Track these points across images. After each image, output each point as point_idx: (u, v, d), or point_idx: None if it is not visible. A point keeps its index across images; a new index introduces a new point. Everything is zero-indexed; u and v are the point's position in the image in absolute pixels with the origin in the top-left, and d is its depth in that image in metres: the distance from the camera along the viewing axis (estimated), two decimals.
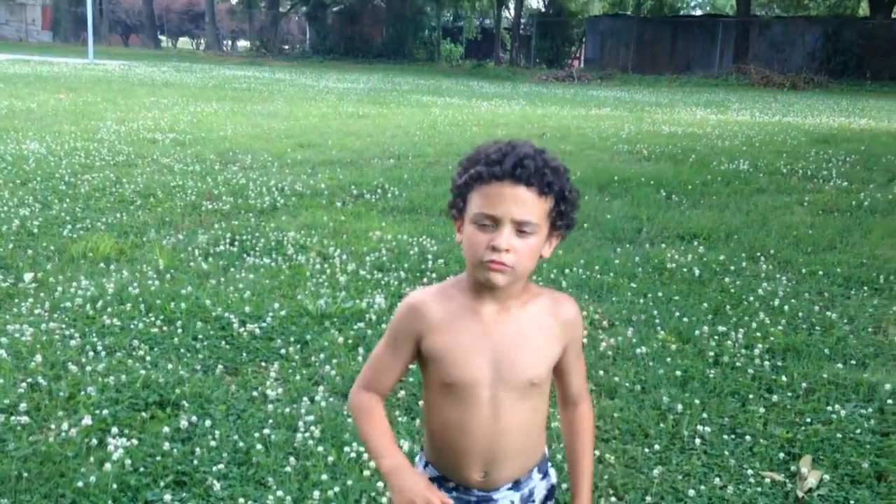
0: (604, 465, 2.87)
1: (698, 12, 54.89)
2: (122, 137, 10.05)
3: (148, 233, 5.68)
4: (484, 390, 1.53)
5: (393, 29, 43.27)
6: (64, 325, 3.90)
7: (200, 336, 3.86)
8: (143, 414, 3.09)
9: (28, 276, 4.56)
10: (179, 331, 3.89)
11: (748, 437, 3.08)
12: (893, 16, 34.98)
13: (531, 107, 17.83)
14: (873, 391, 3.50)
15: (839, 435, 3.11)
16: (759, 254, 5.59)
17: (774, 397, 3.41)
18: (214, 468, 2.73)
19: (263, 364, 3.63)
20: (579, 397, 1.69)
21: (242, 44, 57.94)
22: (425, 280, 4.81)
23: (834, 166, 9.38)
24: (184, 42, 63.09)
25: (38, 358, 3.47)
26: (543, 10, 45.28)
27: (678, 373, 3.60)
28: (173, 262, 5.00)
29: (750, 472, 2.85)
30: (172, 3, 60.87)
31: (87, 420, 2.96)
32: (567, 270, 5.04)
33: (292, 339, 3.88)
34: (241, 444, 2.90)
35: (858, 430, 3.15)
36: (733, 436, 3.11)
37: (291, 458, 2.81)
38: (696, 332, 4.08)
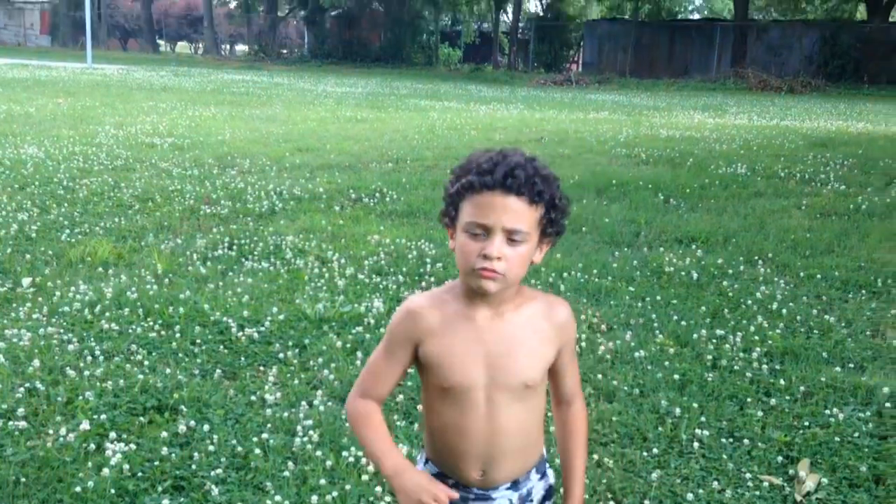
0: (602, 469, 2.87)
1: (696, 16, 55.01)
2: (121, 142, 10.06)
3: (146, 237, 5.68)
4: (479, 393, 1.55)
5: (391, 33, 43.31)
6: (62, 330, 3.90)
7: (199, 340, 3.86)
8: (142, 419, 3.09)
9: (26, 281, 4.56)
10: (178, 335, 3.89)
11: (746, 441, 3.08)
12: (891, 19, 35.08)
13: (529, 111, 17.85)
14: (871, 395, 3.50)
15: (837, 438, 3.11)
16: (756, 257, 5.59)
17: (772, 401, 3.42)
18: (213, 473, 2.73)
19: (262, 368, 3.63)
20: (573, 397, 1.72)
21: (241, 48, 58.03)
22: (424, 284, 4.81)
23: (831, 170, 9.39)
24: (182, 46, 63.16)
25: (36, 363, 3.47)
26: (541, 14, 45.35)
27: (676, 376, 3.60)
28: (171, 266, 5.00)
29: (748, 475, 2.86)
30: (171, 7, 60.97)
31: (85, 425, 2.96)
32: (565, 274, 5.04)
33: (290, 343, 3.88)
34: (239, 448, 2.90)
35: (856, 434, 3.15)
36: (731, 439, 3.11)
37: (290, 463, 2.80)
38: (695, 336, 4.09)
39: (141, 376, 3.41)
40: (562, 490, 1.75)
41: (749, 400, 3.42)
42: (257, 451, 2.87)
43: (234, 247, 5.49)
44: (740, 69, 31.72)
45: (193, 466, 2.77)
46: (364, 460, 2.80)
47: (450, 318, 1.56)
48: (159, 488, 2.65)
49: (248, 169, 8.54)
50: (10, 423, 2.99)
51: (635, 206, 7.23)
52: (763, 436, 3.13)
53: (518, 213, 1.45)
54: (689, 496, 2.71)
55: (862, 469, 2.89)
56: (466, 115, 15.78)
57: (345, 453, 2.84)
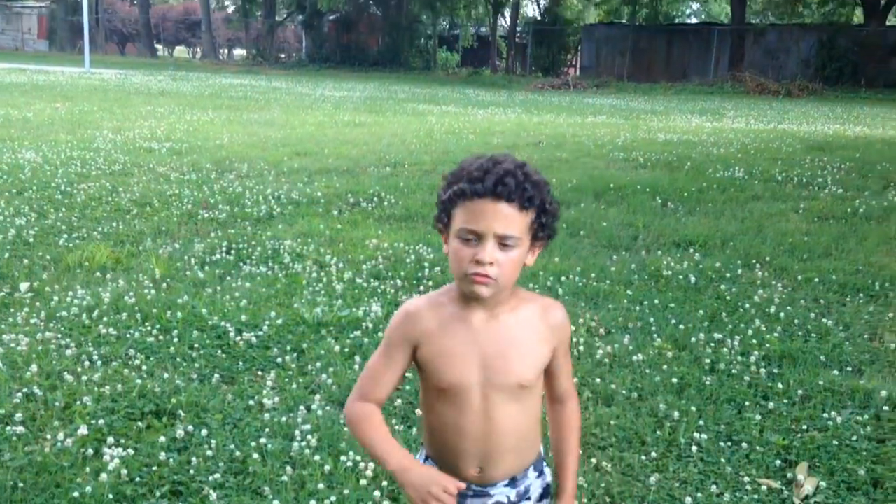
0: (601, 473, 2.88)
1: (693, 20, 55.12)
2: (119, 146, 10.06)
3: (144, 242, 5.68)
4: (475, 393, 1.59)
5: (389, 37, 43.35)
6: (60, 335, 3.90)
7: (197, 345, 3.86)
8: (139, 423, 3.09)
9: (24, 286, 4.55)
10: (176, 340, 3.89)
11: (744, 445, 3.08)
12: (888, 23, 35.16)
13: (527, 115, 17.86)
14: (869, 398, 3.50)
15: (835, 442, 3.11)
16: (754, 261, 5.60)
17: (770, 404, 3.42)
18: (211, 478, 2.73)
19: (260, 373, 3.63)
20: (567, 396, 1.76)
21: (239, 52, 58.03)
22: (422, 288, 4.82)
23: (829, 173, 9.41)
24: (180, 51, 63.15)
25: (34, 368, 3.47)
26: (539, 18, 45.40)
27: (674, 380, 3.61)
28: (169, 271, 5.00)
29: (746, 479, 2.86)
30: (169, 11, 61.01)
31: (83, 430, 2.95)
32: (563, 278, 5.05)
33: (289, 347, 3.88)
34: (237, 453, 2.89)
35: (854, 437, 3.16)
36: (730, 443, 3.11)
37: (288, 468, 2.80)
38: (693, 340, 4.09)
39: (139, 381, 3.41)
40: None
41: (747, 403, 3.42)
42: (255, 455, 2.86)
43: (232, 251, 5.49)
44: (738, 73, 31.76)
45: (191, 471, 2.77)
46: (362, 464, 2.80)
47: (446, 321, 1.59)
48: (157, 493, 2.64)
49: (247, 173, 8.54)
50: (8, 428, 2.99)
51: (633, 209, 7.24)
52: (761, 439, 3.13)
53: (509, 218, 1.49)
54: (688, 500, 2.71)
55: (860, 472, 2.90)
56: (464, 119, 15.79)
57: (343, 458, 2.84)
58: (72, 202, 6.78)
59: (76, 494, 2.58)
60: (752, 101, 25.65)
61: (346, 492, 2.66)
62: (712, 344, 4.06)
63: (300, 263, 5.25)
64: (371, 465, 2.79)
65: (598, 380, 3.60)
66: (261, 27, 48.58)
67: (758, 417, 3.30)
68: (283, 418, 3.16)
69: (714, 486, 2.80)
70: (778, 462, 2.98)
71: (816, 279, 5.20)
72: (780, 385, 3.59)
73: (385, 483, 2.71)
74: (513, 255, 1.51)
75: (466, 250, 1.50)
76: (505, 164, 1.50)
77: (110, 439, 2.92)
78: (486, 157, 1.53)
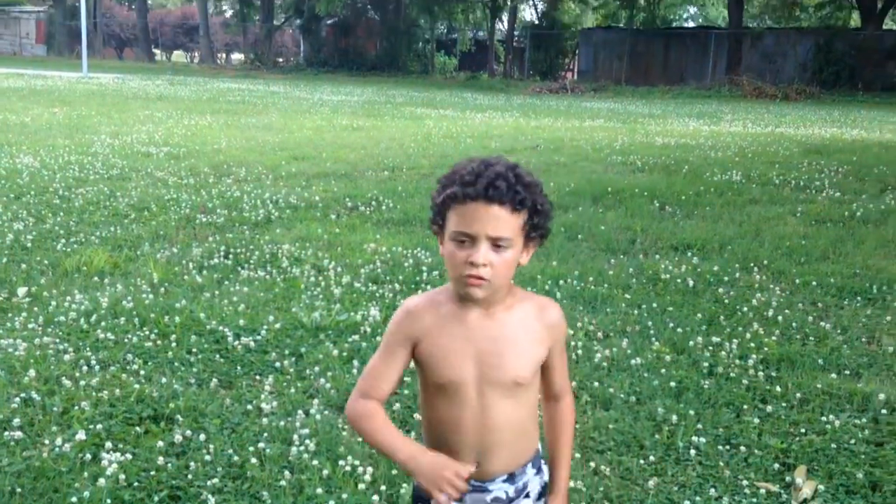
0: (599, 477, 2.87)
1: (690, 24, 55.20)
2: (117, 151, 10.06)
3: (142, 246, 5.68)
4: (471, 389, 1.62)
5: (387, 41, 43.39)
6: (58, 340, 3.89)
7: (195, 350, 3.85)
8: (138, 428, 3.08)
9: (22, 291, 4.55)
10: (174, 344, 3.89)
11: (743, 448, 3.08)
12: (885, 27, 35.23)
13: (525, 119, 17.88)
14: (867, 401, 3.50)
15: (834, 445, 3.11)
16: (752, 264, 5.61)
17: (769, 408, 3.42)
18: (209, 482, 2.73)
19: (258, 377, 3.63)
20: (562, 393, 1.79)
21: (237, 57, 58.06)
22: (420, 292, 4.80)
23: (826, 177, 9.42)
24: (178, 55, 63.17)
25: (32, 373, 3.46)
26: (537, 22, 45.46)
27: (673, 384, 3.61)
28: (167, 275, 5.00)
29: (745, 482, 2.86)
30: (167, 16, 61.04)
31: (81, 435, 2.95)
32: (561, 282, 5.05)
33: (287, 352, 3.88)
34: (235, 458, 2.89)
35: (853, 441, 3.16)
36: (728, 446, 3.11)
37: (286, 472, 2.80)
38: (691, 343, 4.09)
39: (137, 386, 3.41)
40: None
41: (745, 407, 3.42)
42: (254, 460, 2.86)
43: (230, 256, 5.49)
44: (735, 77, 31.83)
45: (189, 476, 2.76)
46: (361, 469, 2.79)
47: (443, 318, 1.62)
48: (155, 498, 2.64)
49: (244, 178, 8.54)
50: (6, 433, 2.99)
51: (631, 213, 7.25)
52: (760, 443, 3.14)
53: (501, 220, 1.52)
54: (686, 503, 2.71)
55: (858, 476, 2.90)
56: (462, 123, 15.81)
57: (341, 462, 2.84)
58: (70, 207, 6.77)
59: (74, 499, 2.58)
60: (749, 105, 25.69)
61: (344, 496, 2.66)
62: (710, 347, 4.07)
63: (298, 268, 5.25)
64: (370, 469, 2.79)
65: (596, 383, 3.60)
66: (259, 31, 48.61)
67: (756, 421, 3.30)
68: (282, 423, 3.16)
69: (713, 490, 2.81)
70: (776, 465, 2.98)
71: (814, 282, 5.20)
72: (778, 388, 3.60)
73: (384, 487, 2.71)
74: (506, 256, 1.54)
75: (460, 252, 1.53)
76: (496, 168, 1.53)
77: (108, 444, 2.92)
78: (477, 161, 1.56)
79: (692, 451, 3.04)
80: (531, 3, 47.27)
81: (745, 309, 4.66)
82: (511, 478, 1.71)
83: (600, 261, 5.65)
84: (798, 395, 3.54)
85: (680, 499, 2.75)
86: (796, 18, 40.57)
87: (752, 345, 4.09)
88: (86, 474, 2.73)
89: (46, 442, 2.95)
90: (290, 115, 16.50)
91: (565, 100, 27.62)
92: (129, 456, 2.85)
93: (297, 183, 8.30)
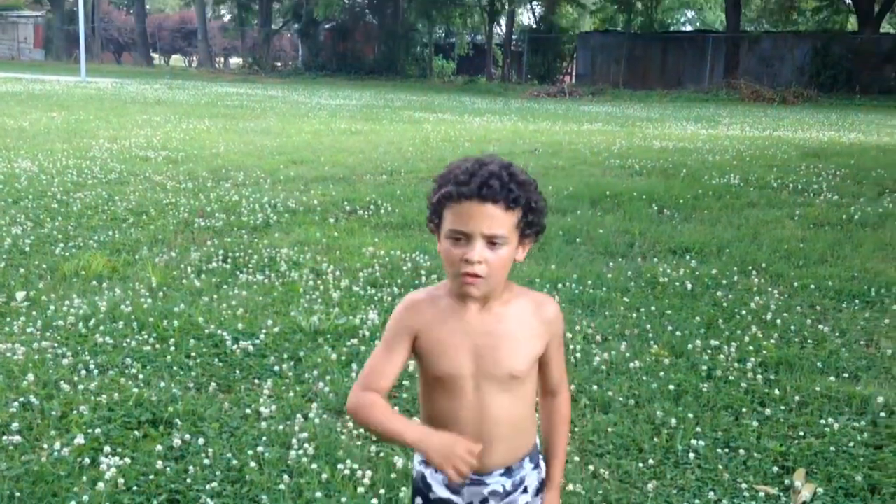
0: (598, 480, 2.87)
1: (688, 28, 55.30)
2: (115, 155, 10.05)
3: (140, 250, 5.68)
4: (468, 382, 1.65)
5: (385, 45, 43.44)
6: (56, 344, 3.89)
7: (193, 354, 3.85)
8: (136, 432, 3.08)
9: (20, 295, 4.55)
10: (172, 348, 3.89)
11: (742, 451, 3.08)
12: (882, 31, 35.30)
13: (523, 122, 17.90)
14: (866, 404, 3.51)
15: (832, 448, 3.11)
16: (750, 267, 5.61)
17: (767, 411, 3.42)
18: (208, 486, 2.72)
19: (257, 381, 3.62)
20: (558, 388, 1.81)
21: (235, 61, 58.12)
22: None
23: (824, 180, 9.44)
24: (176, 59, 63.24)
25: (31, 377, 3.46)
26: (535, 26, 45.52)
27: (671, 387, 3.61)
28: (166, 279, 5.00)
29: (744, 485, 2.86)
30: (165, 20, 61.11)
31: (80, 439, 2.95)
32: (560, 285, 5.05)
33: (286, 355, 3.88)
34: (234, 461, 2.89)
35: (852, 443, 3.16)
36: (727, 450, 3.11)
37: (285, 476, 2.80)
38: (689, 346, 4.09)
39: (135, 390, 3.40)
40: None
41: (744, 410, 3.43)
42: (252, 464, 2.86)
43: (229, 260, 5.49)
44: (733, 80, 31.88)
45: (188, 480, 2.76)
46: (360, 472, 2.79)
47: (442, 313, 1.65)
48: (154, 502, 2.64)
49: (243, 182, 8.54)
50: (5, 437, 2.98)
51: (629, 216, 7.25)
52: (758, 446, 3.14)
53: (495, 218, 1.54)
54: None
55: (857, 478, 2.90)
56: (460, 127, 15.82)
57: (340, 466, 2.84)
58: (68, 211, 6.77)
59: None
60: (747, 109, 25.73)
61: (343, 500, 2.66)
62: (709, 350, 4.07)
63: (297, 272, 5.25)
64: (368, 472, 2.79)
65: (595, 387, 3.60)
66: (257, 36, 48.66)
67: (755, 424, 3.30)
68: (281, 427, 3.16)
69: (712, 493, 2.81)
70: (775, 468, 2.98)
71: (812, 285, 5.21)
72: (776, 391, 3.60)
73: (382, 491, 2.70)
74: (501, 253, 1.57)
75: (456, 250, 1.56)
76: (490, 167, 1.56)
77: (107, 448, 2.92)
78: (472, 160, 1.59)
79: (691, 455, 3.04)
80: (529, 7, 47.35)
81: (744, 312, 4.66)
82: (508, 472, 1.73)
83: (599, 264, 5.65)
84: (797, 398, 3.54)
85: (679, 502, 2.75)
86: (793, 22, 40.64)
87: (751, 348, 4.10)
88: (84, 478, 2.73)
89: (45, 446, 2.95)
90: (289, 119, 16.50)
91: (563, 103, 27.66)
92: (127, 460, 2.85)
93: (295, 187, 8.30)
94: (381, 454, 2.96)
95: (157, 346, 3.92)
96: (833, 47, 32.06)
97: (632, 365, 3.85)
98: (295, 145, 11.84)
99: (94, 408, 3.23)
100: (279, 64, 49.20)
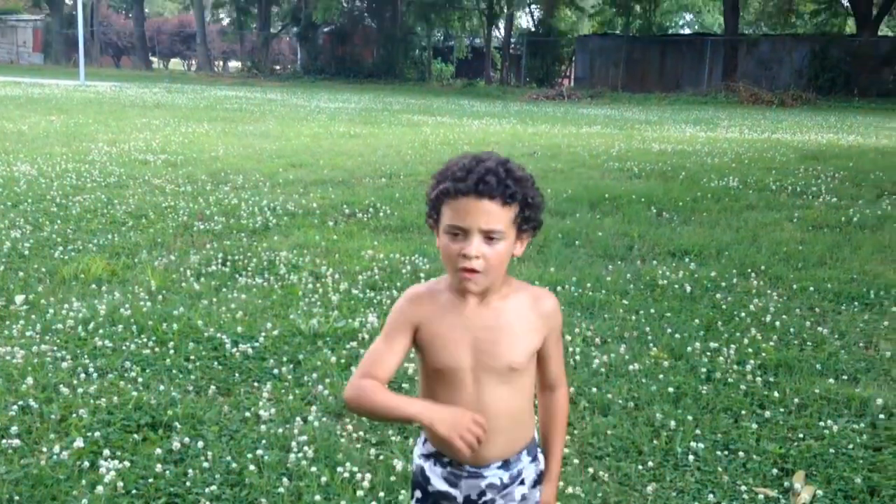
0: (598, 483, 2.87)
1: (686, 31, 55.36)
2: (114, 159, 10.06)
3: (140, 254, 5.68)
4: (467, 374, 1.67)
5: (384, 49, 43.48)
6: (55, 347, 3.89)
7: (193, 357, 3.85)
8: (135, 436, 3.08)
9: (19, 299, 4.54)
10: (171, 352, 3.89)
11: (741, 453, 3.08)
12: (880, 33, 35.34)
13: (522, 125, 17.91)
14: (865, 406, 3.51)
15: (832, 450, 3.11)
16: (749, 270, 5.61)
17: (767, 413, 3.42)
18: (207, 490, 2.72)
19: (256, 384, 3.62)
20: (557, 383, 1.83)
21: (234, 64, 58.13)
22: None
23: (823, 183, 9.45)
24: (175, 63, 63.25)
25: (30, 380, 3.46)
26: (533, 29, 45.58)
27: (671, 389, 3.61)
28: (165, 282, 5.00)
29: (743, 488, 2.86)
30: (164, 24, 61.14)
31: (79, 442, 2.94)
32: (559, 288, 5.05)
33: (285, 358, 3.87)
34: (233, 465, 2.89)
35: (851, 446, 3.16)
36: (726, 452, 3.11)
37: (284, 479, 2.80)
38: (689, 349, 4.09)
39: (135, 393, 3.40)
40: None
41: (743, 412, 3.43)
42: (252, 467, 2.86)
43: (228, 263, 5.49)
44: (731, 83, 31.92)
45: (188, 483, 2.76)
46: (359, 475, 2.79)
47: (442, 307, 1.68)
48: None
49: (242, 185, 8.55)
50: (4, 441, 2.98)
51: (628, 219, 7.26)
52: (758, 448, 3.14)
53: (492, 214, 1.57)
54: None
55: (857, 481, 2.90)
56: (459, 130, 15.83)
57: (340, 469, 2.84)
58: (67, 215, 6.77)
59: None
60: (745, 111, 25.76)
61: (343, 503, 2.66)
62: (708, 353, 4.07)
63: (296, 274, 5.25)
64: (368, 475, 2.79)
65: (594, 389, 3.60)
66: (256, 39, 48.70)
67: (754, 426, 3.30)
68: (280, 430, 3.16)
69: (711, 496, 2.81)
70: (775, 471, 2.98)
71: (811, 288, 5.21)
72: (776, 394, 3.60)
73: (382, 494, 2.70)
74: (499, 248, 1.59)
75: (454, 245, 1.59)
76: (487, 163, 1.59)
77: (106, 452, 2.91)
78: (469, 157, 1.62)
79: (690, 457, 3.04)
80: (527, 10, 47.44)
81: (743, 314, 4.67)
82: (506, 464, 1.74)
83: (598, 267, 5.66)
84: (796, 400, 3.55)
85: None
86: (792, 25, 40.69)
87: (750, 350, 4.10)
88: (84, 482, 2.73)
89: (44, 450, 2.95)
90: (288, 122, 16.51)
91: (562, 106, 27.68)
92: (127, 463, 2.85)
93: (294, 190, 8.30)
94: (381, 457, 2.97)
95: (157, 349, 3.92)
96: (831, 50, 32.11)
97: (631, 367, 3.85)
98: (294, 149, 11.85)
99: (93, 411, 3.23)
100: (278, 67, 49.23)
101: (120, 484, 2.71)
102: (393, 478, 2.80)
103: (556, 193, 8.13)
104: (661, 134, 16.39)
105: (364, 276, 5.21)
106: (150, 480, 2.76)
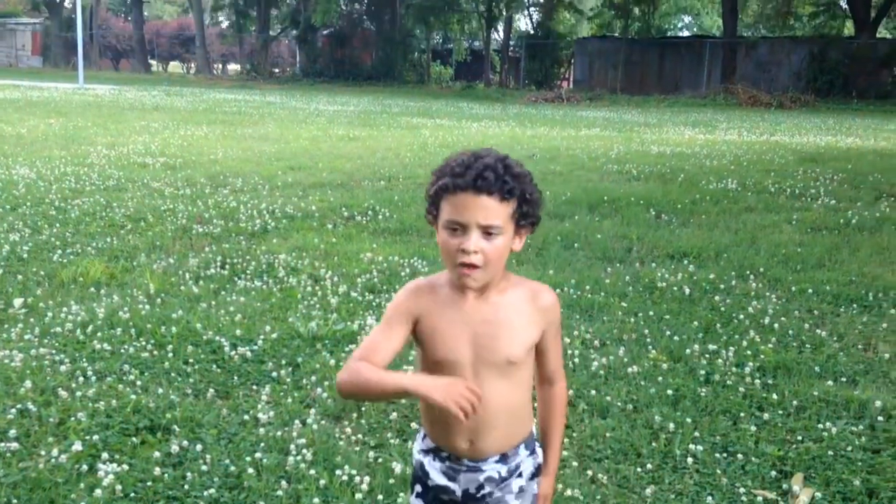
0: (597, 486, 2.87)
1: (685, 33, 55.40)
2: (113, 162, 10.06)
3: (138, 257, 5.68)
4: (466, 368, 1.69)
5: (382, 52, 43.48)
6: (54, 351, 3.89)
7: (191, 360, 3.85)
8: (134, 439, 3.08)
9: (18, 302, 4.54)
10: (170, 355, 3.88)
11: (740, 456, 3.08)
12: (878, 35, 35.38)
13: (521, 128, 17.92)
14: (864, 408, 3.51)
15: (830, 452, 3.12)
16: (748, 272, 5.62)
17: (766, 415, 3.43)
18: (206, 493, 2.72)
19: (255, 387, 3.62)
20: (555, 376, 1.86)
21: (233, 67, 58.12)
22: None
23: (821, 185, 9.45)
24: (174, 66, 63.23)
25: (28, 384, 3.46)
26: (532, 32, 45.59)
27: (670, 392, 3.61)
28: (164, 285, 5.00)
29: (742, 490, 2.86)
30: (163, 27, 61.13)
31: (78, 446, 2.94)
32: (558, 290, 5.05)
33: (284, 361, 3.87)
34: (232, 468, 2.89)
35: (849, 448, 3.16)
36: (725, 454, 3.11)
37: (283, 482, 2.80)
38: (687, 351, 4.10)
39: (133, 396, 3.40)
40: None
41: (742, 415, 3.43)
42: (250, 470, 2.86)
43: (227, 266, 5.49)
44: (730, 85, 31.92)
45: (186, 486, 2.76)
46: (358, 478, 2.79)
47: (442, 302, 1.70)
48: None
49: (241, 188, 8.55)
50: (2, 444, 2.98)
51: (627, 221, 7.26)
52: (757, 450, 3.14)
53: (490, 209, 1.59)
54: None
55: (855, 483, 2.90)
56: (458, 133, 15.84)
57: (338, 472, 2.84)
58: (66, 218, 6.77)
59: None
60: (744, 114, 25.77)
61: None
62: (707, 355, 4.07)
63: (295, 277, 5.24)
64: (367, 478, 2.79)
65: (593, 392, 3.60)
66: (255, 42, 48.70)
67: (753, 428, 3.30)
68: (279, 432, 3.16)
69: (710, 498, 2.81)
70: (773, 473, 2.98)
71: (810, 290, 5.21)
72: (774, 396, 3.60)
73: (381, 497, 2.70)
74: (497, 243, 1.61)
75: (453, 240, 1.61)
76: (486, 159, 1.61)
77: (105, 455, 2.91)
78: (468, 153, 1.64)
79: (689, 459, 3.04)
80: (526, 13, 47.44)
81: (742, 317, 4.67)
82: (504, 458, 1.77)
83: (597, 269, 5.66)
84: (795, 402, 3.55)
85: None
86: (790, 27, 40.74)
87: (749, 352, 4.10)
88: (82, 485, 2.73)
89: (43, 453, 2.94)
90: (287, 125, 16.51)
91: (561, 109, 27.69)
92: (125, 467, 2.85)
93: (293, 193, 8.30)
94: (380, 460, 2.97)
95: (155, 352, 3.92)
96: (830, 52, 32.12)
97: (630, 370, 3.85)
98: (293, 151, 11.85)
99: (91, 414, 3.23)
100: (277, 70, 49.22)
101: (118, 487, 2.71)
102: (392, 480, 2.80)
103: (555, 196, 8.13)
104: (660, 136, 16.40)
105: (363, 279, 5.21)
106: (149, 484, 2.76)
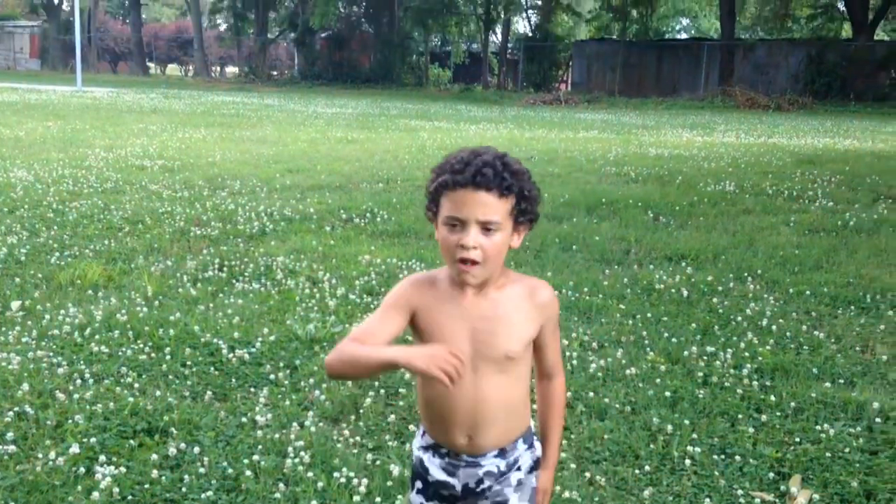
0: (594, 487, 2.87)
1: (683, 36, 55.48)
2: (111, 164, 10.05)
3: (136, 259, 5.67)
4: (465, 365, 1.65)
5: (381, 54, 43.51)
6: (51, 353, 3.88)
7: (189, 362, 3.85)
8: (132, 441, 3.07)
9: (15, 304, 4.54)
10: (168, 357, 3.88)
11: (738, 458, 3.08)
12: (875, 38, 35.44)
13: (519, 130, 17.93)
14: (861, 410, 3.51)
15: (828, 454, 3.12)
16: (746, 274, 5.62)
17: (763, 417, 3.43)
18: (203, 495, 2.72)
19: (252, 390, 3.62)
20: (554, 372, 1.88)
21: (231, 70, 58.16)
22: None
23: (819, 187, 9.46)
24: (172, 68, 63.25)
25: (26, 386, 3.45)
26: (530, 34, 45.65)
27: (668, 393, 3.61)
28: (162, 288, 4.99)
29: (740, 492, 2.86)
30: (161, 30, 61.13)
31: (75, 448, 2.94)
32: (556, 292, 5.04)
33: (282, 364, 3.87)
34: (230, 470, 2.88)
35: (847, 449, 3.16)
36: (723, 456, 3.11)
37: (281, 484, 2.79)
38: (685, 353, 4.10)
39: (131, 399, 3.40)
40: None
41: (740, 416, 3.43)
42: (248, 472, 2.85)
43: (225, 268, 5.48)
44: (728, 87, 31.96)
45: (184, 489, 2.76)
46: (356, 481, 2.79)
47: (441, 297, 1.72)
48: None
49: (239, 190, 8.55)
50: (0, 447, 2.98)
51: (625, 224, 7.27)
52: (754, 452, 3.14)
53: (489, 206, 1.61)
54: None
55: (853, 484, 2.90)
56: (456, 135, 15.84)
57: (336, 474, 2.83)
58: (63, 220, 6.77)
59: None
60: (742, 116, 25.80)
61: None
62: (705, 357, 4.07)
63: (293, 280, 5.24)
64: (364, 481, 2.79)
65: (591, 394, 3.60)
66: (253, 45, 48.70)
67: (751, 430, 3.30)
68: (276, 435, 3.16)
69: (708, 500, 2.80)
70: (771, 475, 2.98)
71: (808, 292, 5.22)
72: (772, 398, 3.60)
73: (378, 499, 2.70)
74: (496, 239, 1.63)
75: (452, 236, 1.63)
76: (484, 157, 1.63)
77: (102, 458, 2.91)
78: (468, 151, 1.67)
79: (687, 461, 3.04)
80: (525, 15, 47.52)
81: (740, 318, 4.67)
82: (502, 453, 1.78)
83: (595, 271, 5.66)
84: (792, 404, 3.55)
85: None
86: (788, 30, 40.79)
87: (747, 354, 4.10)
88: (80, 488, 2.72)
89: (40, 455, 2.94)
90: (285, 127, 16.52)
91: (559, 111, 27.71)
92: (123, 469, 2.85)
93: (291, 195, 8.30)
94: (378, 462, 2.96)
95: (153, 354, 3.92)
96: (828, 55, 32.16)
97: (628, 372, 3.85)
98: (291, 154, 11.85)
99: (89, 417, 3.23)
100: (275, 73, 49.21)
101: (116, 490, 2.70)
102: (390, 483, 2.80)
103: (554, 198, 8.13)
104: (658, 138, 16.41)
105: (361, 282, 5.21)
106: (147, 486, 2.76)
